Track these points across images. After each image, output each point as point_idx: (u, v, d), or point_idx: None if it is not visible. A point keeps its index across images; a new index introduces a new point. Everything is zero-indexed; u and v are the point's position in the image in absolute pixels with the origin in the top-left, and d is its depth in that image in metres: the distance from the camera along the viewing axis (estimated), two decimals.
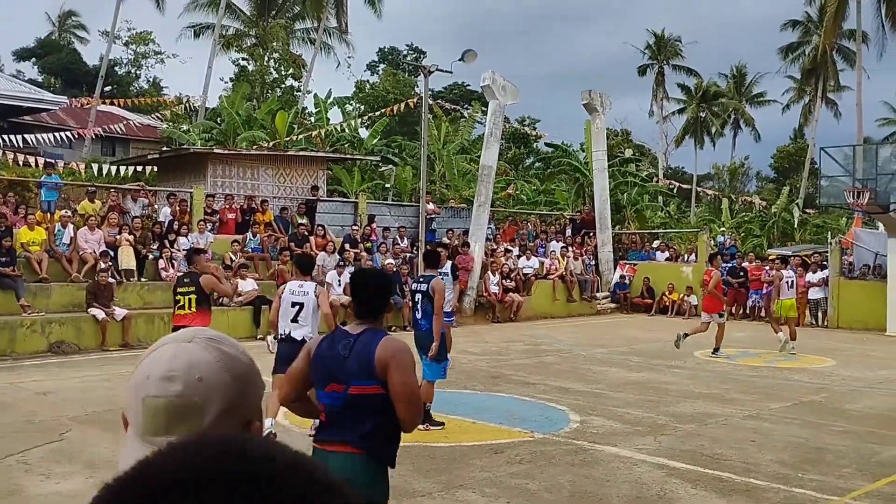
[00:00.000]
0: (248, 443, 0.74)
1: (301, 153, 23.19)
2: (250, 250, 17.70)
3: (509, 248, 21.92)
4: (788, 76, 48.22)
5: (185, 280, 8.74)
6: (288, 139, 26.80)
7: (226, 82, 39.16)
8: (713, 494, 6.25)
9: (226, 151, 21.93)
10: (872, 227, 23.45)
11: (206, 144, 26.01)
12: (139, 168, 22.72)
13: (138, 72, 51.35)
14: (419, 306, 8.16)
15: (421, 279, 8.48)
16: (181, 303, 8.47)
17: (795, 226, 33.35)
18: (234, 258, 16.75)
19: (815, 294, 20.38)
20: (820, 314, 20.25)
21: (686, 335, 14.09)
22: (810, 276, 20.45)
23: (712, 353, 14.21)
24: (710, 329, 14.24)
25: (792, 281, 15.90)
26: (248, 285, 16.07)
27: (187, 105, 35.53)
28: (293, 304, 7.65)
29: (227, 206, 18.82)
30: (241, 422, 1.14)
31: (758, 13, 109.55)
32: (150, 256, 15.98)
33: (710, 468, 6.93)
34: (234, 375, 1.15)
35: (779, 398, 10.31)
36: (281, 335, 7.73)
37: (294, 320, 7.66)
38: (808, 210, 34.53)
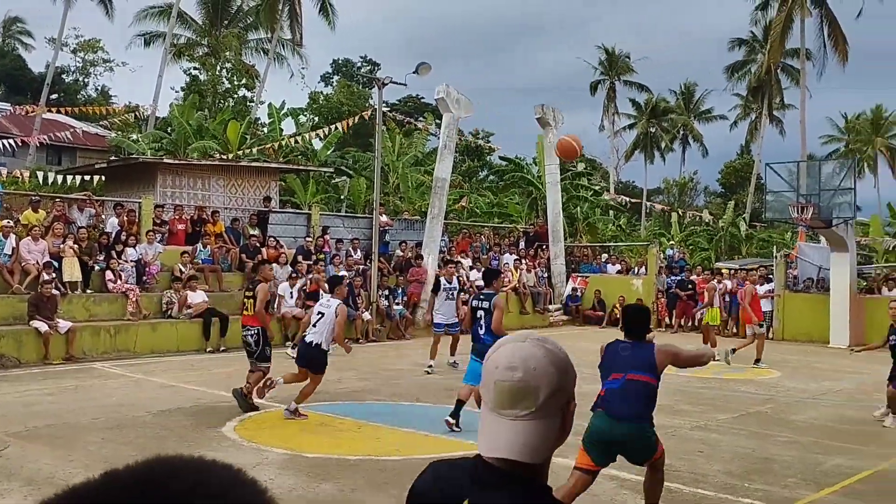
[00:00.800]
0: (175, 483, 0.75)
1: (253, 164, 22.95)
2: (200, 262, 17.42)
3: (461, 259, 21.95)
4: (735, 94, 49.44)
5: (249, 286, 10.22)
6: (240, 150, 26.52)
7: (177, 92, 38.64)
8: None
9: (176, 161, 21.60)
10: (815, 242, 24.07)
11: (156, 154, 25.59)
12: (86, 177, 22.24)
13: (86, 80, 50.43)
14: (481, 322, 8.90)
15: (482, 297, 9.20)
16: (246, 305, 9.99)
17: (742, 239, 34.06)
18: (183, 269, 16.47)
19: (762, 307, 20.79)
20: (766, 327, 20.67)
21: (734, 350, 14.80)
22: (757, 289, 20.86)
23: (753, 363, 14.91)
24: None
25: (725, 293, 16.83)
26: (197, 297, 15.81)
27: (137, 114, 34.95)
28: (318, 313, 9.22)
29: (177, 217, 18.51)
30: (563, 402, 1.51)
31: (707, 31, 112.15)
32: (97, 268, 15.61)
33: None
34: (556, 367, 1.50)
35: (726, 409, 10.48)
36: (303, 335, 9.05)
37: (313, 325, 9.19)
38: (754, 224, 35.30)
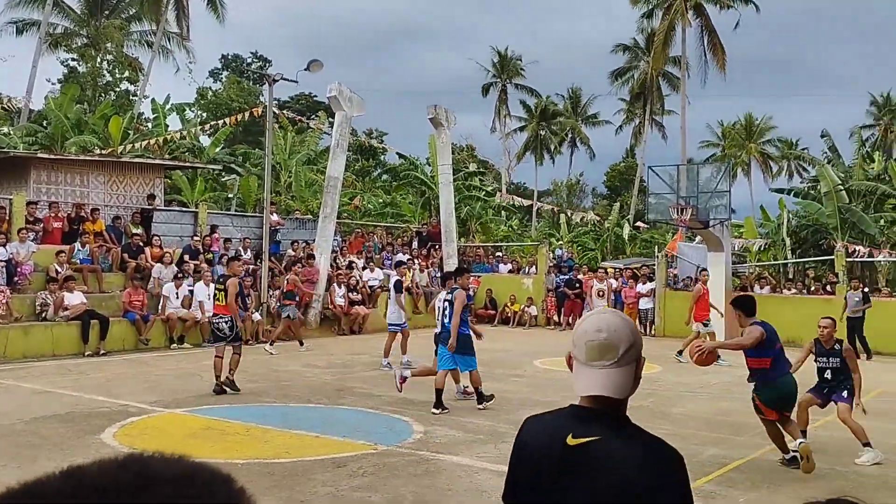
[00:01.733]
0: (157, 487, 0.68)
1: (136, 160, 22.04)
2: (79, 261, 16.62)
3: (355, 260, 21.82)
4: (621, 99, 51.18)
5: (220, 280, 11.98)
6: (123, 146, 25.45)
7: (53, 84, 36.75)
8: None
9: (52, 156, 20.50)
10: (692, 242, 25.19)
11: (30, 149, 24.24)
12: None
13: None
14: (446, 312, 10.30)
15: (449, 291, 10.61)
16: (217, 297, 11.64)
17: (626, 240, 35.28)
18: (59, 270, 15.66)
19: (644, 304, 21.61)
20: (648, 324, 21.48)
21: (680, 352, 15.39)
22: (639, 288, 21.69)
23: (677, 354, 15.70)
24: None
25: (602, 291, 17.49)
26: (75, 298, 15.07)
27: (8, 106, 32.96)
28: (443, 302, 10.50)
29: (53, 215, 17.60)
30: (635, 356, 1.97)
31: (595, 36, 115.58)
32: None
33: None
34: (630, 330, 1.99)
35: None
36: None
37: (444, 316, 10.36)
38: (638, 225, 36.62)
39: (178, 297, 16.43)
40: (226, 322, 11.22)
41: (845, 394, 7.96)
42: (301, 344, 16.38)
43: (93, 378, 12.01)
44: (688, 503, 1.86)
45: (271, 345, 15.85)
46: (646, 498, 1.81)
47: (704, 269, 18.30)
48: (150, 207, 20.03)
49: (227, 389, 10.92)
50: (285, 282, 18.01)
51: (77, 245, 16.83)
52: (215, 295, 11.96)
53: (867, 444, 7.81)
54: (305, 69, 18.89)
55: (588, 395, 1.96)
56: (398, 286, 14.23)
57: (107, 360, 14.08)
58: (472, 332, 10.39)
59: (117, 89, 36.21)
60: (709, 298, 16.63)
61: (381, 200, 32.88)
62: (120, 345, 15.02)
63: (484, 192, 32.64)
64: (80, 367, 13.33)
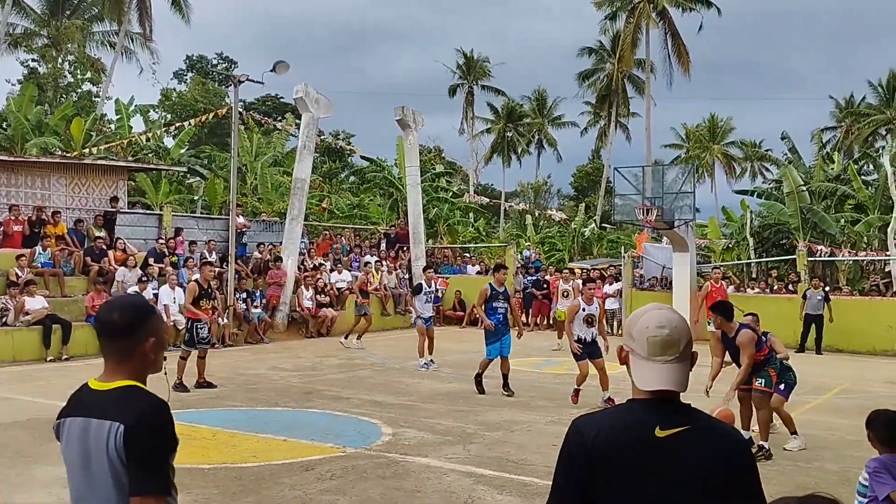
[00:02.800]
0: None
1: (99, 162, 21.70)
2: (40, 265, 16.33)
3: (322, 262, 21.70)
4: (586, 101, 51.58)
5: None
6: (85, 147, 25.05)
7: (13, 84, 36.03)
8: (518, 499, 6.48)
9: (11, 158, 20.12)
10: (658, 242, 25.46)
11: None
12: None
13: None
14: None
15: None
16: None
17: (593, 241, 35.53)
18: (20, 274, 15.37)
19: (610, 305, 21.77)
20: (615, 323, 21.65)
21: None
22: (606, 288, 21.85)
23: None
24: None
25: (567, 291, 17.79)
26: (36, 303, 14.79)
27: None
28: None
29: (13, 218, 17.27)
30: (691, 350, 2.09)
31: (562, 37, 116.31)
32: None
33: (515, 474, 7.19)
34: (686, 325, 2.12)
35: (580, 404, 10.89)
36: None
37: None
38: (604, 226, 36.93)
39: None
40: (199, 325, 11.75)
41: (782, 386, 8.30)
42: (358, 338, 17.37)
43: (55, 384, 11.80)
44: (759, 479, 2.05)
45: (358, 338, 17.30)
46: (743, 474, 2.01)
47: (717, 268, 18.86)
48: (114, 210, 19.75)
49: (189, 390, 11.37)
50: (356, 280, 19.49)
51: (38, 248, 16.53)
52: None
53: (794, 433, 8.40)
54: (271, 70, 18.75)
55: (654, 389, 2.05)
56: (419, 289, 15.00)
57: (69, 365, 13.85)
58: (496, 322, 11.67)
59: (79, 90, 35.63)
60: (717, 296, 16.53)
61: (348, 202, 32.77)
62: (83, 350, 14.76)
63: (451, 194, 32.66)
64: (42, 372, 13.10)
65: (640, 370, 2.08)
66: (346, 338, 17.39)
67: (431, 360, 14.43)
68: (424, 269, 16.44)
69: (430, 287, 15.09)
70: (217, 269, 18.89)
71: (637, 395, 2.11)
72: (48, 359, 14.32)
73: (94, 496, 2.28)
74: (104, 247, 17.77)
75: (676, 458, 1.98)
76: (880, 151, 32.37)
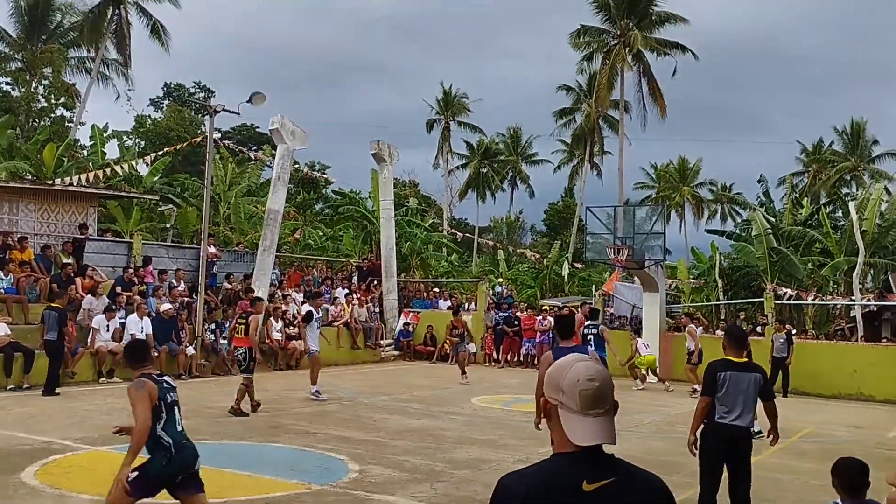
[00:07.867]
0: None
1: (69, 188, 21.45)
2: (2, 291, 16.06)
3: (293, 294, 21.57)
4: (560, 140, 52.17)
5: (243, 314, 13.37)
6: (56, 173, 24.79)
7: None
8: None
9: None
10: (630, 282, 25.65)
11: None
12: None
13: None
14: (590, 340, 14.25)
15: (591, 326, 14.94)
16: (238, 329, 13.06)
17: (566, 278, 35.66)
18: None
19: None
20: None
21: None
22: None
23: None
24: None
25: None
26: None
27: None
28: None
29: None
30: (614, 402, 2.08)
31: (537, 75, 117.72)
32: None
33: None
34: (610, 376, 2.11)
35: (548, 442, 10.83)
36: None
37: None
38: (576, 264, 37.14)
39: (108, 330, 15.98)
40: (240, 353, 12.72)
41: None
42: (463, 374, 18.04)
43: (15, 413, 11.55)
44: None
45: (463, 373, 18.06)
46: None
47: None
48: (83, 237, 19.52)
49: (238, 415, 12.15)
50: (452, 320, 21.15)
51: (0, 274, 16.27)
52: (235, 327, 13.47)
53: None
54: (247, 101, 18.78)
55: (590, 444, 2.01)
56: (308, 317, 14.92)
57: (30, 394, 13.58)
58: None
59: (52, 115, 35.38)
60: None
61: (321, 234, 32.68)
62: (45, 378, 14.48)
63: (424, 228, 32.71)
64: (2, 401, 12.82)
65: (572, 424, 2.03)
66: (463, 376, 17.94)
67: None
68: (313, 297, 16.33)
69: (318, 314, 15.19)
70: (185, 299, 18.75)
71: (562, 449, 2.07)
72: (8, 387, 14.02)
73: None
74: (72, 274, 17.52)
75: None
76: (846, 198, 33.10)
